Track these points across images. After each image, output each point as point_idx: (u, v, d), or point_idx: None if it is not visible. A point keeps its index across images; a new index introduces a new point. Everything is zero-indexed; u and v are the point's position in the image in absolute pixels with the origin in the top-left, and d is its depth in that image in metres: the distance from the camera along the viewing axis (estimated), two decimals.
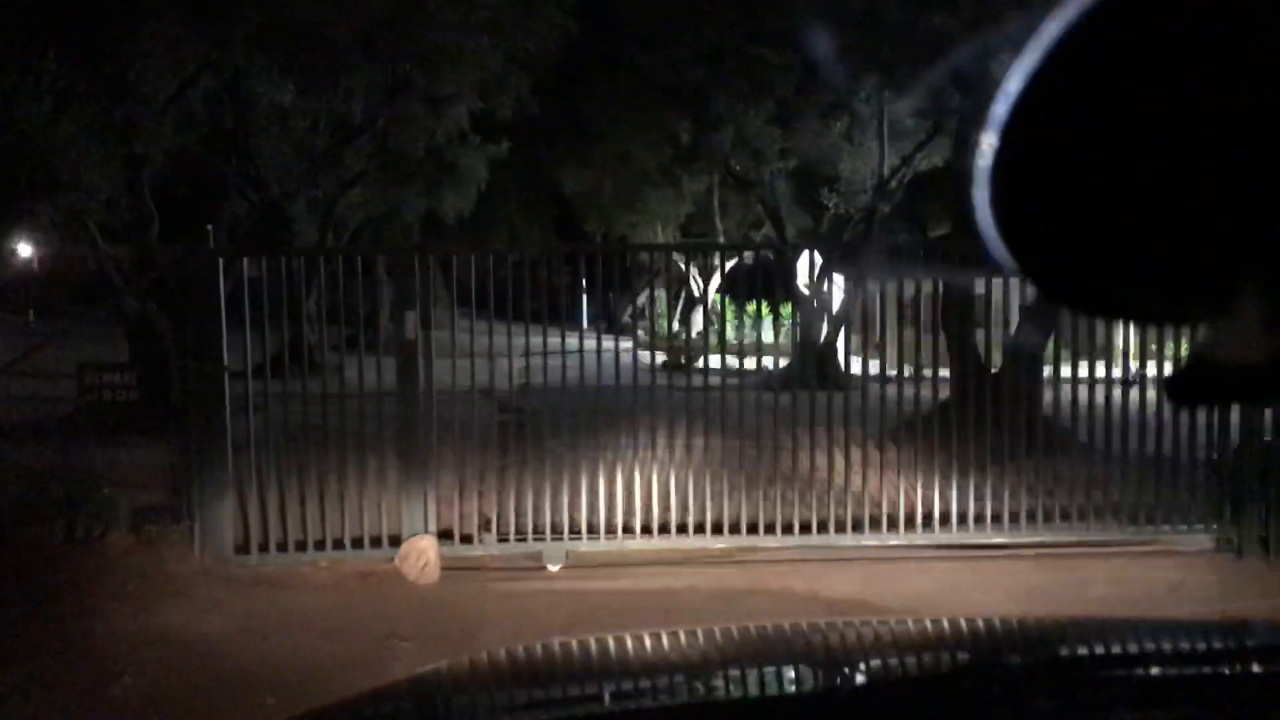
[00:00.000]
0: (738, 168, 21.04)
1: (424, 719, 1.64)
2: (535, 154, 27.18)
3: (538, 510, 6.21)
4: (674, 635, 1.98)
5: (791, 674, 1.83)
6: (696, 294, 29.84)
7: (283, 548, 5.91)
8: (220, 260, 5.66)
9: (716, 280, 29.27)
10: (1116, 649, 1.87)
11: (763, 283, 12.25)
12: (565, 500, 6.19)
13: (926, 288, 7.43)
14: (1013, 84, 0.50)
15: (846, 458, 6.56)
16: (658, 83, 20.90)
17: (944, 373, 7.57)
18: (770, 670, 1.83)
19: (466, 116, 19.86)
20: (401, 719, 1.63)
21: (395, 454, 5.95)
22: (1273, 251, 0.51)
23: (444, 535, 6.03)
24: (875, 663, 1.86)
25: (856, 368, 7.66)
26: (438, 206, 21.97)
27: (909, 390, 7.01)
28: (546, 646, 1.86)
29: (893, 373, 7.31)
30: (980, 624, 2.03)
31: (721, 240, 29.07)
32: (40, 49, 9.66)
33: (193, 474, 5.73)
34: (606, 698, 1.70)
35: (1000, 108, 0.51)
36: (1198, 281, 0.53)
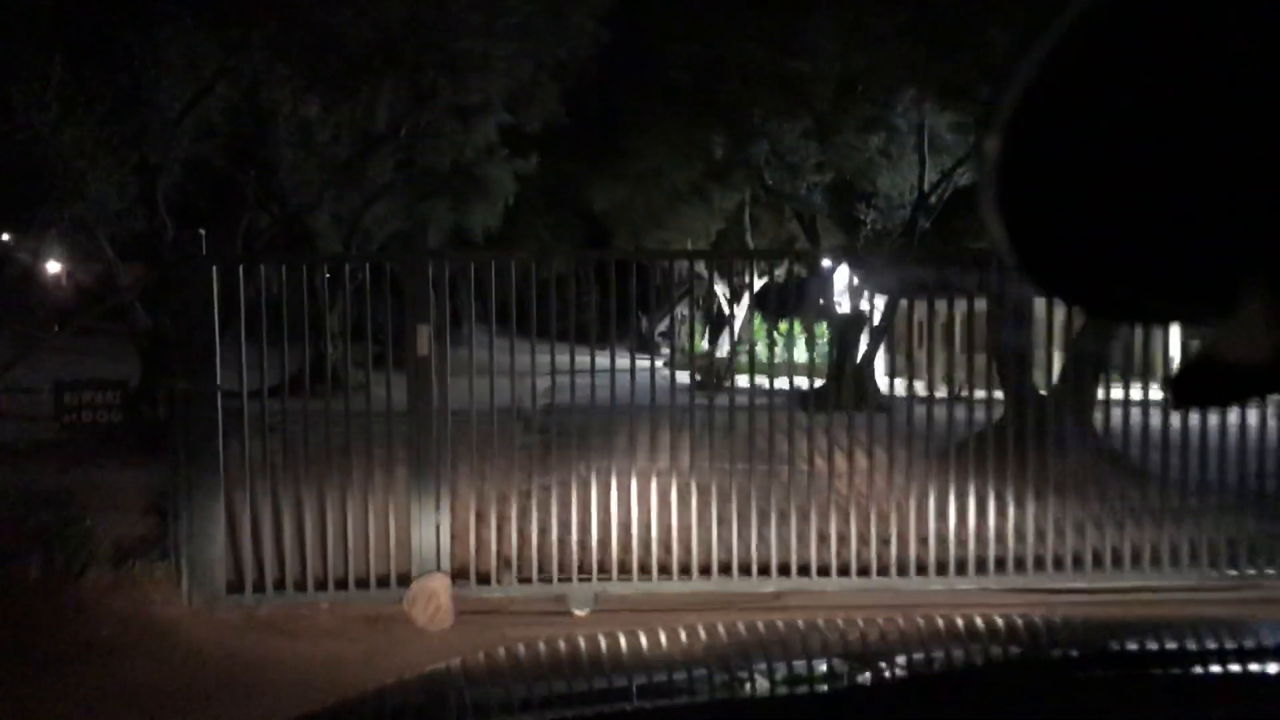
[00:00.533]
0: (772, 182, 20.44)
1: (431, 716, 1.61)
2: (565, 169, 26.83)
3: (563, 546, 5.58)
4: (686, 632, 1.96)
5: (799, 672, 1.78)
6: (727, 311, 29.27)
7: (280, 587, 5.31)
8: (214, 268, 5.10)
9: (748, 297, 28.71)
10: (1128, 648, 1.86)
11: (796, 300, 11.63)
12: (595, 535, 5.55)
13: (974, 304, 6.63)
14: (1016, 84, 0.50)
15: (906, 488, 5.85)
16: (691, 96, 20.45)
17: (988, 393, 6.72)
18: (778, 668, 1.79)
19: (495, 129, 19.47)
20: (408, 716, 1.60)
21: (405, 481, 5.35)
22: (1276, 249, 0.51)
23: (459, 574, 5.41)
24: (882, 660, 1.82)
25: (893, 387, 6.94)
26: (465, 221, 21.50)
27: (952, 412, 6.27)
28: (554, 644, 1.84)
29: (936, 393, 6.55)
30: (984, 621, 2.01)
31: (753, 260, 28.41)
32: (47, 53, 9.24)
33: (180, 504, 5.15)
34: (615, 694, 1.67)
35: (1004, 108, 0.51)
36: (1201, 281, 0.53)
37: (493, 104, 13.59)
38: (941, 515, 5.78)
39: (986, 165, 0.53)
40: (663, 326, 36.06)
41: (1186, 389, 0.60)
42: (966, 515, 5.74)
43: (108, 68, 10.26)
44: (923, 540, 5.73)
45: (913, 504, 5.79)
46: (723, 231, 29.12)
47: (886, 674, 1.74)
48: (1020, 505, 5.76)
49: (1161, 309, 0.60)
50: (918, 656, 1.79)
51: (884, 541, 5.62)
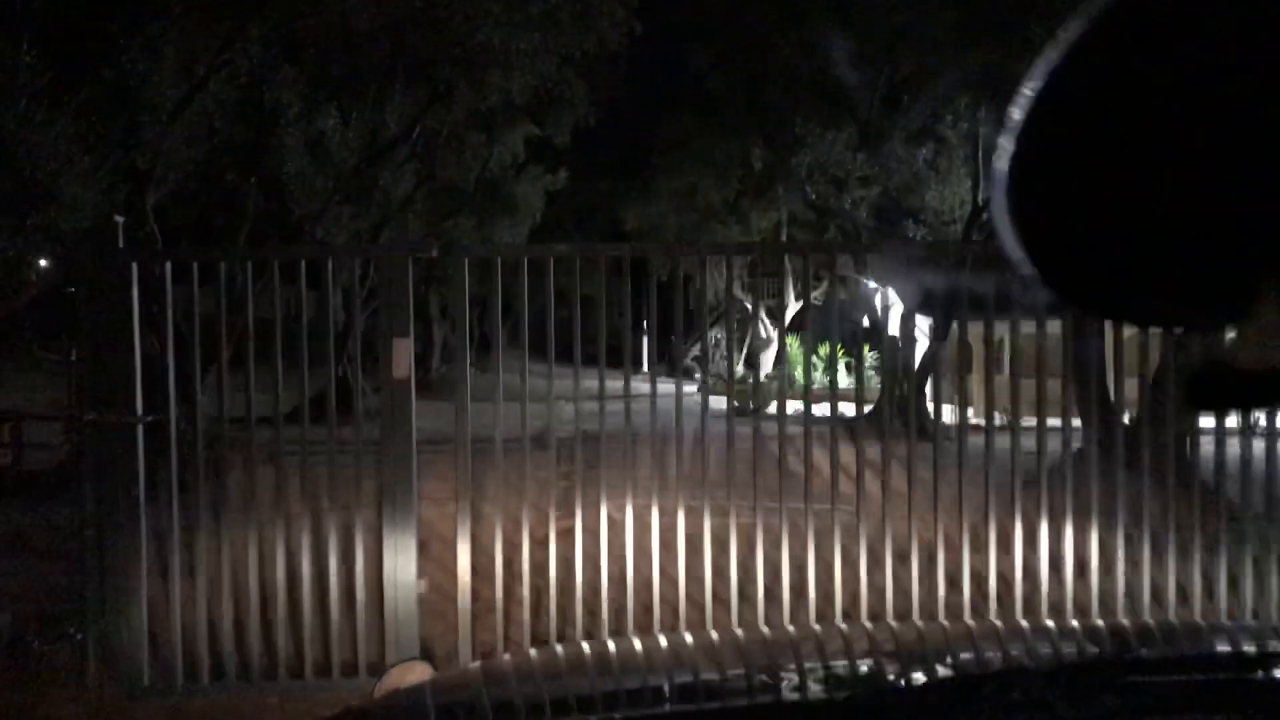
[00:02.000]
0: (815, 196, 19.29)
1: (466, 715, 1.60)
2: (595, 188, 26.01)
3: (589, 622, 4.35)
4: (702, 637, 2.01)
5: (801, 680, 1.73)
6: (764, 334, 28.15)
7: (219, 675, 4.12)
8: (135, 264, 3.98)
9: (786, 318, 27.51)
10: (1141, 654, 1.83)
11: (838, 320, 10.44)
12: (630, 602, 4.32)
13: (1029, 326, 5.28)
14: (1029, 88, 0.50)
15: (1020, 540, 4.54)
16: (729, 106, 19.49)
17: (1052, 422, 5.31)
18: (780, 677, 1.75)
19: (521, 142, 18.48)
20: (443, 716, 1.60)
21: (374, 536, 4.13)
22: None
23: (448, 659, 4.20)
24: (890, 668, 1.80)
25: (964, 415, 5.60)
26: (490, 240, 20.48)
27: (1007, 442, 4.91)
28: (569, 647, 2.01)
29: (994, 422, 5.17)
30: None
31: (791, 280, 27.44)
32: (15, 42, 8.28)
33: (90, 568, 3.99)
34: (631, 699, 1.67)
35: (1017, 112, 0.51)
36: (1217, 286, 0.53)
37: (515, 106, 12.48)
38: (1042, 571, 4.47)
39: (1000, 172, 0.52)
40: (696, 350, 34.93)
41: (1202, 393, 0.58)
42: (1082, 567, 4.44)
43: (92, 62, 9.34)
44: (1049, 609, 4.42)
45: (1014, 557, 4.50)
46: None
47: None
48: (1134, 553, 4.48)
49: (1178, 315, 0.58)
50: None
51: (1005, 613, 4.33)
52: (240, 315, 4.06)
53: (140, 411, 3.98)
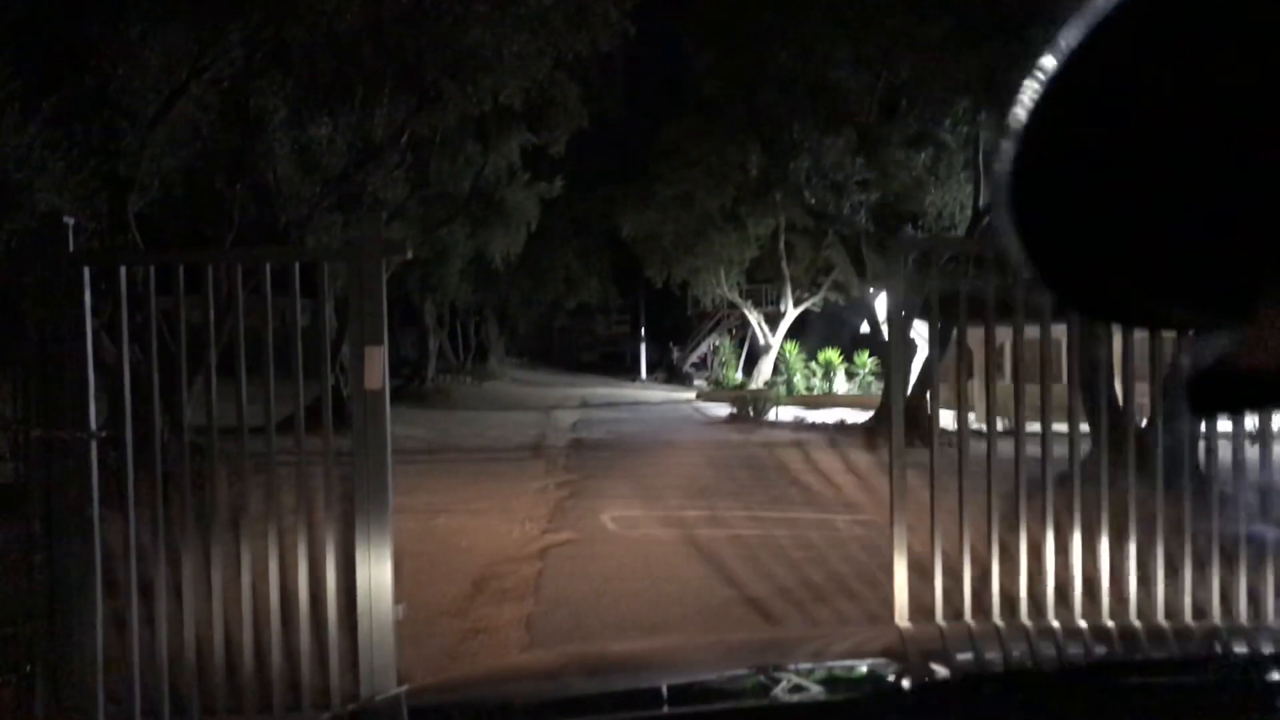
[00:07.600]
0: (814, 201, 19.05)
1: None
2: (591, 196, 25.80)
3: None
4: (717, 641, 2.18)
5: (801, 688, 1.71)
6: (763, 341, 27.96)
7: (181, 711, 3.82)
8: (86, 269, 3.69)
9: (784, 325, 27.31)
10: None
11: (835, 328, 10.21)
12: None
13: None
14: (1031, 89, 0.50)
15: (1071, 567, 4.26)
16: (726, 110, 19.27)
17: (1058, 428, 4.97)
18: (778, 685, 1.72)
19: (516, 150, 18.23)
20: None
21: (346, 557, 3.82)
22: None
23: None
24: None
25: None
26: (484, 248, 20.20)
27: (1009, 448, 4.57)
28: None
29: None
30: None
31: (789, 288, 27.26)
32: None
33: (37, 597, 3.69)
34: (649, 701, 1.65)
35: (1019, 112, 0.51)
36: (1220, 286, 0.52)
37: (509, 111, 12.21)
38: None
39: (1001, 172, 0.52)
40: (695, 357, 34.76)
41: (1203, 396, 0.57)
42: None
43: (70, 66, 9.08)
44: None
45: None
46: (757, 258, 27.81)
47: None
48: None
49: (1180, 315, 0.57)
50: None
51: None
52: (206, 321, 3.78)
53: (94, 426, 3.69)
